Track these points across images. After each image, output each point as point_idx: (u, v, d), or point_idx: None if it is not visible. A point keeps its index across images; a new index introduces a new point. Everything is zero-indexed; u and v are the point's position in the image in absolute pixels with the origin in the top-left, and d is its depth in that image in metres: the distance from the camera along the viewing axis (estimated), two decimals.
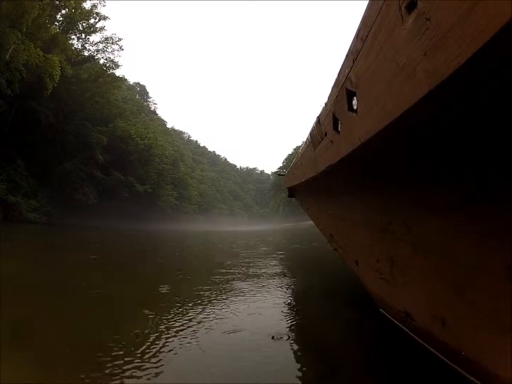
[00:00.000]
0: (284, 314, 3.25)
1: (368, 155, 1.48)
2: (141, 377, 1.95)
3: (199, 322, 2.92)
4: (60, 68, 30.58)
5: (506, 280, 1.15)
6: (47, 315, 3.13)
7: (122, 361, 2.14)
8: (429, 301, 1.74)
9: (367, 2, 1.16)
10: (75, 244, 13.09)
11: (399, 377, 2.07)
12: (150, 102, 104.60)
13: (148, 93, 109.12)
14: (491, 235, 1.18)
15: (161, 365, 2.10)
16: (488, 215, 1.17)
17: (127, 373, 1.99)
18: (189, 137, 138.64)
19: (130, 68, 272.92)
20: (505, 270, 1.15)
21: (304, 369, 2.15)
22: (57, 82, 30.45)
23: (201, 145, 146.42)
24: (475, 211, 1.23)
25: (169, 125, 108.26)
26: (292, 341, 2.55)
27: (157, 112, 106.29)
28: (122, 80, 47.85)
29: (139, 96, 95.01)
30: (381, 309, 2.67)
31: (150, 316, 3.07)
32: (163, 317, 3.03)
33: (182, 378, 1.99)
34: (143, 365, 2.09)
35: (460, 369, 1.55)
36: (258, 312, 3.28)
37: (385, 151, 1.39)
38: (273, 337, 2.57)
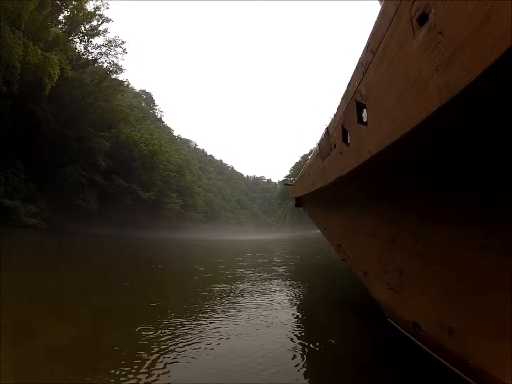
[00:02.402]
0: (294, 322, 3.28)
1: (378, 168, 1.48)
2: None
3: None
4: (59, 68, 30.32)
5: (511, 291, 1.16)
6: None
7: None
8: (437, 311, 1.76)
9: (377, 14, 1.17)
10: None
11: None
12: (156, 109, 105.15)
13: (154, 100, 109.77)
14: (497, 247, 1.20)
15: None
16: (495, 227, 1.19)
17: None
18: (195, 146, 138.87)
19: (136, 76, 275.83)
20: (511, 281, 1.15)
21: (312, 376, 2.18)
22: (55, 82, 30.05)
23: (208, 153, 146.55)
24: (482, 223, 1.24)
25: (175, 133, 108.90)
26: (301, 350, 2.56)
27: (164, 120, 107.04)
28: (124, 85, 47.76)
29: (145, 103, 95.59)
30: (389, 319, 2.68)
31: None
32: None
33: None
34: None
35: (467, 377, 1.58)
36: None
37: (395, 163, 1.40)
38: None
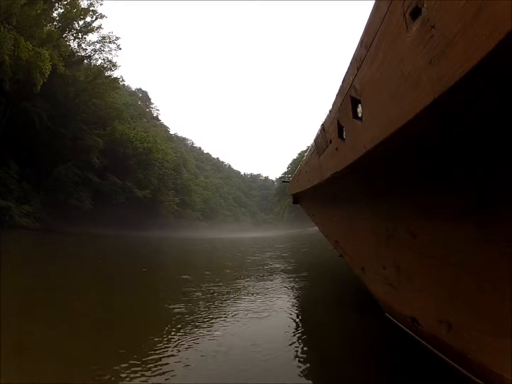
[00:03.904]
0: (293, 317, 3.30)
1: (373, 163, 1.49)
2: None
3: None
4: (52, 64, 30.09)
5: (510, 285, 1.17)
6: None
7: None
8: (435, 306, 1.77)
9: (371, 9, 1.17)
10: None
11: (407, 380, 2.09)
12: (152, 108, 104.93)
13: (150, 99, 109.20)
14: (495, 242, 1.20)
15: None
16: (493, 222, 1.20)
17: None
18: (192, 144, 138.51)
19: (132, 75, 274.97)
20: (509, 276, 1.16)
21: (312, 374, 2.17)
22: (47, 77, 29.74)
23: (205, 151, 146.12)
24: (479, 218, 1.25)
25: (172, 132, 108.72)
26: (301, 346, 2.57)
27: (160, 118, 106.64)
28: (119, 81, 47.52)
29: (141, 102, 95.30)
30: (387, 314, 2.68)
31: None
32: None
33: None
34: None
35: (466, 372, 1.58)
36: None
37: (390, 158, 1.40)
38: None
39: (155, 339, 2.70)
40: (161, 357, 2.33)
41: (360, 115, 1.37)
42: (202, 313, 3.54)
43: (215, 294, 4.49)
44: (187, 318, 3.31)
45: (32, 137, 33.07)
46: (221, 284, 5.36)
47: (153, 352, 2.42)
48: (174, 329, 2.95)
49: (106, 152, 42.10)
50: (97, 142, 39.69)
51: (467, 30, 0.71)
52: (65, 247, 15.96)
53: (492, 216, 1.19)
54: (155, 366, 2.18)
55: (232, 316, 3.43)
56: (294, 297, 4.49)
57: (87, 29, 41.09)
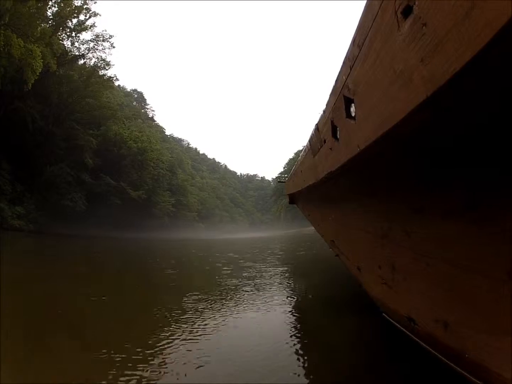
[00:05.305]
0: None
1: (368, 162, 1.49)
2: None
3: None
4: (45, 62, 29.91)
5: (507, 283, 1.17)
6: None
7: None
8: (431, 305, 1.78)
9: (363, 7, 1.16)
10: None
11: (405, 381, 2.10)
12: (148, 109, 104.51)
13: (145, 99, 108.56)
14: (490, 240, 1.20)
15: None
16: (488, 220, 1.20)
17: None
18: (188, 145, 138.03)
19: (128, 75, 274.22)
20: (506, 273, 1.17)
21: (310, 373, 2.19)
22: (38, 75, 29.42)
23: (201, 152, 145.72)
24: (474, 216, 1.25)
25: (167, 132, 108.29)
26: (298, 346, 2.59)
27: (155, 119, 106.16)
28: (113, 80, 47.21)
29: (136, 102, 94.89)
30: (384, 314, 2.69)
31: None
32: None
33: None
34: None
35: (463, 371, 1.58)
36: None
37: (384, 158, 1.40)
38: None
39: None
40: None
41: (353, 114, 1.37)
42: None
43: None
44: None
45: (25, 137, 32.77)
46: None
47: None
48: None
49: (100, 152, 41.79)
50: (90, 142, 39.37)
51: (459, 28, 0.71)
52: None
53: (487, 214, 1.19)
54: None
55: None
56: (291, 294, 4.50)
57: (81, 27, 40.72)
